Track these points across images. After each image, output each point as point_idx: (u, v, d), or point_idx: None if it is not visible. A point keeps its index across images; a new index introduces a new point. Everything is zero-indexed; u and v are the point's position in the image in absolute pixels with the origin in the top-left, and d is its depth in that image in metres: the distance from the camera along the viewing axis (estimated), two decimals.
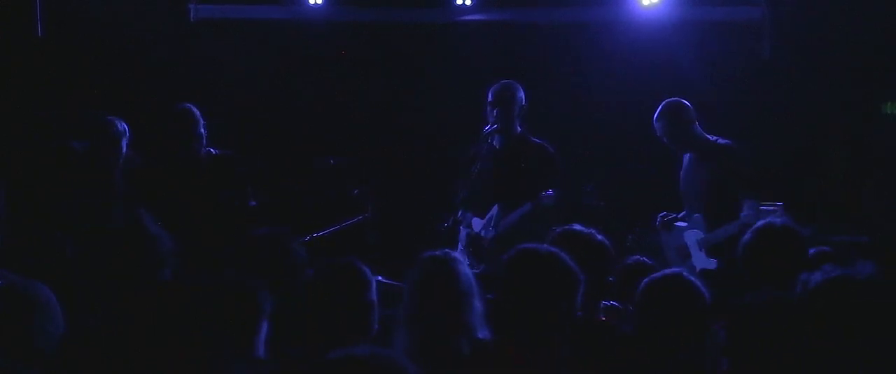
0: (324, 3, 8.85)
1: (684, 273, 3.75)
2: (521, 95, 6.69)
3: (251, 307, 3.10)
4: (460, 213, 6.62)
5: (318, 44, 9.02)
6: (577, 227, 4.19)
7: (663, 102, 6.71)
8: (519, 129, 6.75)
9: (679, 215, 6.81)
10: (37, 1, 8.31)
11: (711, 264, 6.46)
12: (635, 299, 3.76)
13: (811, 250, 4.52)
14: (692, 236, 6.61)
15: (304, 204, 8.01)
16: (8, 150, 7.87)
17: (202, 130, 6.75)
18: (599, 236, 4.12)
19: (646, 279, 3.69)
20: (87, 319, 3.54)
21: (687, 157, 6.74)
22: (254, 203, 6.96)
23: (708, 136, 6.63)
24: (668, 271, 3.88)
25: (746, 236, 4.34)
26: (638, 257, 5.01)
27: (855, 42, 8.47)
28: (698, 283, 3.71)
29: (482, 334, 3.90)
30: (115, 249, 3.97)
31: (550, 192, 6.47)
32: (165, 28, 8.66)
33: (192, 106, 6.76)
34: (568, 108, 8.85)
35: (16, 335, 3.27)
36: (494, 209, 6.66)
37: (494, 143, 6.69)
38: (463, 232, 6.71)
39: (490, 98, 6.67)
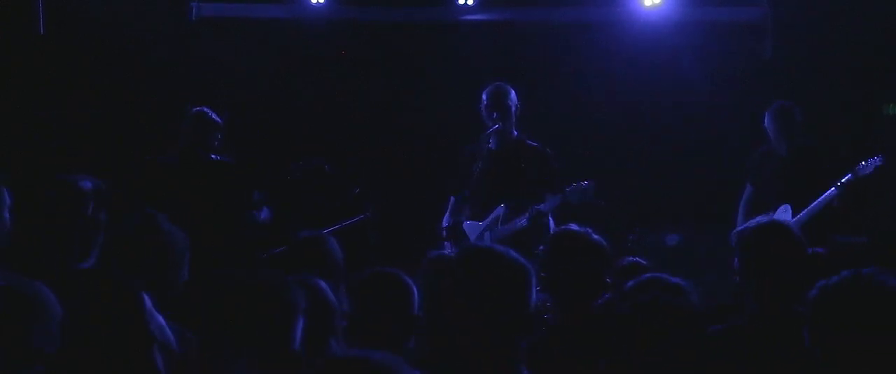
0: (325, 1, 8.84)
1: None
2: (514, 95, 6.73)
3: (285, 305, 3.03)
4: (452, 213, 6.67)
5: (319, 43, 9.01)
6: (573, 227, 4.18)
7: (778, 104, 7.15)
8: (515, 131, 6.77)
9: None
10: None
11: None
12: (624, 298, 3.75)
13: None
14: None
15: (303, 203, 8.00)
16: (9, 148, 7.87)
17: (218, 135, 6.88)
18: (595, 236, 4.10)
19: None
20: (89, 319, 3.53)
21: (778, 156, 7.10)
22: (264, 215, 7.01)
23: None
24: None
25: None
26: (633, 258, 5.02)
27: (856, 42, 8.46)
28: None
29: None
30: (129, 248, 3.96)
31: (544, 206, 6.51)
32: (166, 26, 8.66)
33: (208, 109, 6.92)
34: (569, 108, 8.85)
35: (14, 335, 3.27)
36: (500, 209, 6.67)
37: (491, 145, 6.70)
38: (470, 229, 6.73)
39: (486, 100, 6.69)
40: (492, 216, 6.69)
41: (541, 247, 4.29)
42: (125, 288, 3.22)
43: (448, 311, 3.10)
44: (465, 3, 8.92)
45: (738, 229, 7.00)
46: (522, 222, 6.56)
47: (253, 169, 7.27)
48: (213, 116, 6.95)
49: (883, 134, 8.50)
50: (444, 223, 6.85)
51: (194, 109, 6.99)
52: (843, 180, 6.74)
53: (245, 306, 2.98)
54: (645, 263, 4.91)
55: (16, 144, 7.96)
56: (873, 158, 6.73)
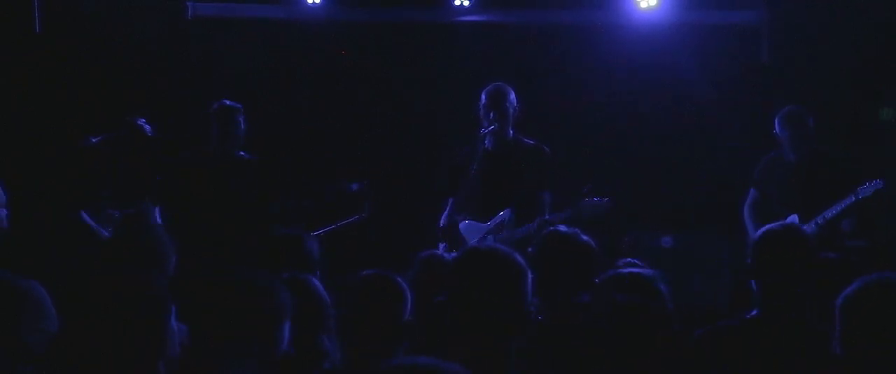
0: (321, 2, 8.85)
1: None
2: (513, 97, 6.70)
3: (271, 305, 2.98)
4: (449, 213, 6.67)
5: (316, 43, 9.01)
6: (562, 227, 4.17)
7: (788, 109, 6.98)
8: (512, 132, 6.75)
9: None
10: None
11: None
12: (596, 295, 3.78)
13: None
14: None
15: (302, 202, 8.01)
16: (6, 146, 7.88)
17: (239, 131, 6.94)
18: (583, 237, 4.09)
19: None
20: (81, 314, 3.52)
21: (787, 162, 6.99)
22: (276, 209, 7.04)
23: None
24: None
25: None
26: (630, 260, 5.02)
27: (853, 46, 8.46)
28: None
29: None
30: (118, 241, 3.95)
31: (553, 216, 6.45)
32: (162, 25, 8.67)
33: (234, 104, 7.01)
34: (565, 109, 8.85)
35: (4, 331, 3.27)
36: (506, 213, 6.64)
37: (487, 145, 6.68)
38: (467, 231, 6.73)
39: (485, 100, 6.65)
40: (496, 220, 6.64)
41: (530, 248, 4.28)
42: (155, 294, 3.17)
43: (445, 310, 3.12)
44: (462, 4, 8.92)
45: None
46: (531, 228, 6.46)
47: (276, 169, 7.31)
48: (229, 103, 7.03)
49: (880, 138, 8.50)
50: (441, 224, 6.83)
51: (219, 104, 7.06)
52: (844, 202, 6.70)
53: (232, 305, 2.94)
54: (641, 265, 4.91)
55: (11, 142, 7.96)
56: (874, 181, 6.66)
